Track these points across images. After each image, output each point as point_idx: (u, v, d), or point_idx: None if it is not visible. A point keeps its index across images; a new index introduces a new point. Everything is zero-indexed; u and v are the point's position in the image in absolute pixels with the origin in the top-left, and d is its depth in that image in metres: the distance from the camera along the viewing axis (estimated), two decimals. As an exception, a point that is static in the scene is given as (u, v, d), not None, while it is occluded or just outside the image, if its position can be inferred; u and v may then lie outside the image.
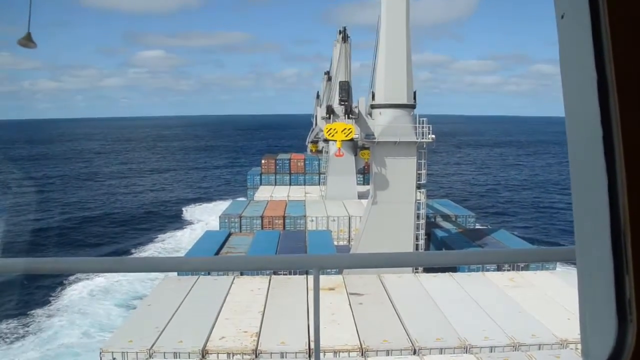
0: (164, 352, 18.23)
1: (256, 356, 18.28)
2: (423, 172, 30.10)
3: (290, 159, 63.79)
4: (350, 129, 29.77)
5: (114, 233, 63.80)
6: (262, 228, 39.77)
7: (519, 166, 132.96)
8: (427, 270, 28.37)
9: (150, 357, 18.14)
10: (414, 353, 18.56)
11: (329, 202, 46.68)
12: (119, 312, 35.58)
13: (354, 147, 49.08)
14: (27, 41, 3.25)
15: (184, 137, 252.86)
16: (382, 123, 29.42)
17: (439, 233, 37.47)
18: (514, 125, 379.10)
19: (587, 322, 1.81)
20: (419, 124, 29.31)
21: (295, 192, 54.83)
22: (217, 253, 31.32)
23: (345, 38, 48.82)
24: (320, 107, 46.81)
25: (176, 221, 67.75)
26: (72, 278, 42.16)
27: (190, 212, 72.26)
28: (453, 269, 27.65)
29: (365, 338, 19.23)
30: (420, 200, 30.53)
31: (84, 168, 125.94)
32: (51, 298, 39.69)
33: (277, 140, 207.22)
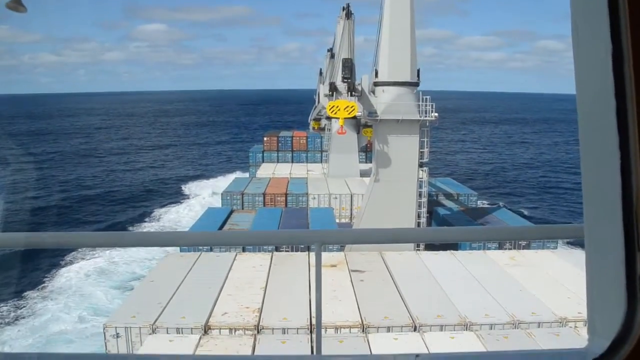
0: (167, 328, 18.42)
1: (258, 332, 18.47)
2: (426, 150, 29.98)
3: (292, 136, 63.62)
4: (353, 106, 29.56)
5: (112, 210, 63.54)
6: (264, 205, 39.83)
7: (524, 144, 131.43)
8: (429, 248, 28.47)
9: (153, 332, 18.33)
10: (415, 330, 18.74)
11: (331, 180, 46.67)
12: (115, 295, 34.58)
13: (357, 124, 48.79)
14: (17, 4, 3.13)
15: (185, 112, 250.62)
16: (385, 101, 29.19)
17: (441, 211, 37.52)
18: (519, 102, 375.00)
19: (595, 299, 1.80)
20: (422, 102, 29.10)
21: (298, 170, 54.79)
22: (220, 230, 31.43)
23: (348, 15, 48.14)
24: (323, 84, 46.29)
25: (176, 198, 67.51)
26: (68, 258, 41.58)
27: (190, 188, 72.09)
28: (454, 247, 27.74)
29: (366, 315, 19.40)
30: (422, 178, 30.49)
31: (84, 144, 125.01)
32: (46, 279, 38.69)
33: (280, 116, 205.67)
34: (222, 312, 19.63)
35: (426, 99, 29.06)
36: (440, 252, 27.36)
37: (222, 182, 65.97)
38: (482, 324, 18.94)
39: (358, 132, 51.19)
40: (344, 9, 50.70)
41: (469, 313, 19.43)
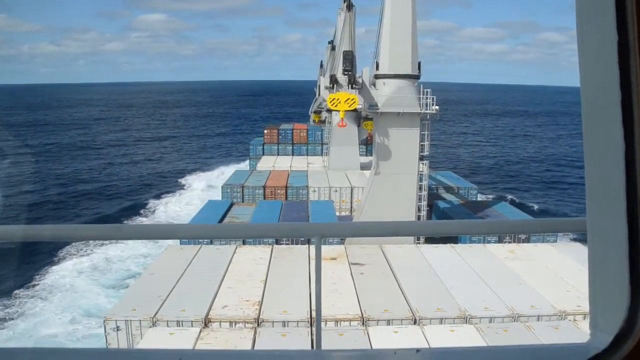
0: (167, 321, 18.46)
1: (258, 325, 18.51)
2: (426, 143, 29.93)
3: (292, 129, 63.49)
4: (353, 99, 29.47)
5: (109, 202, 63.07)
6: (264, 198, 39.83)
7: (528, 137, 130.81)
8: (429, 241, 28.50)
9: (153, 325, 18.38)
10: (415, 323, 18.79)
11: (331, 173, 46.64)
12: (108, 293, 33.35)
13: (357, 117, 48.68)
14: None
15: (185, 103, 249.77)
16: (385, 93, 29.12)
17: (441, 204, 37.50)
18: (521, 94, 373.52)
19: (598, 294, 1.78)
20: (423, 94, 29.03)
21: (298, 163, 54.74)
22: (220, 223, 31.44)
23: (349, 7, 47.87)
24: (324, 76, 46.13)
25: (173, 190, 67.01)
26: (61, 254, 40.85)
27: (188, 181, 71.72)
28: (454, 240, 27.77)
29: (366, 308, 19.44)
30: (422, 171, 30.49)
31: (82, 135, 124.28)
32: (37, 276, 37.33)
33: (280, 107, 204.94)
34: (223, 305, 19.67)
35: (427, 91, 29.01)
36: (440, 245, 27.39)
37: (217, 175, 66.15)
38: (481, 317, 18.98)
39: (359, 125, 51.06)
40: (344, 0, 50.47)
41: (468, 306, 19.47)
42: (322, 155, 58.18)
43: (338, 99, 29.63)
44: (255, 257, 25.17)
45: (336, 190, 40.66)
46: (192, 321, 18.45)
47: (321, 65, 70.89)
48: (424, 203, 30.91)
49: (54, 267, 38.67)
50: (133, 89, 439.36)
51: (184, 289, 21.07)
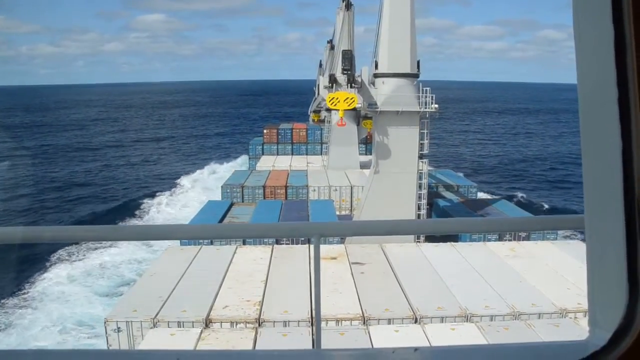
0: (168, 322, 18.46)
1: (259, 325, 18.51)
2: (426, 141, 29.96)
3: (292, 129, 63.51)
4: (352, 98, 29.49)
5: (104, 205, 62.30)
6: (264, 198, 39.84)
7: (528, 135, 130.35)
8: (429, 239, 28.51)
9: (154, 326, 18.37)
10: (415, 322, 18.78)
11: (331, 172, 46.64)
12: (102, 302, 31.90)
13: (357, 116, 48.73)
14: None
15: (185, 103, 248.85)
16: (385, 92, 29.13)
17: (441, 203, 37.52)
18: (522, 92, 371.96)
19: (596, 291, 1.79)
20: (422, 93, 29.05)
21: (298, 162, 54.77)
22: (220, 223, 31.43)
23: (348, 6, 47.90)
24: (323, 76, 46.18)
25: (172, 191, 66.28)
26: (54, 259, 39.73)
27: (186, 181, 70.96)
28: (454, 239, 27.78)
29: (367, 307, 19.43)
30: (422, 170, 30.50)
31: (79, 136, 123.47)
32: (27, 284, 35.68)
33: (280, 107, 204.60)
34: (223, 306, 19.66)
35: (426, 90, 29.02)
36: (441, 243, 27.39)
37: (216, 176, 66.01)
38: (482, 316, 18.97)
39: (358, 124, 51.12)
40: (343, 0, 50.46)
41: (469, 304, 19.47)
42: (321, 154, 58.21)
43: (337, 98, 29.65)
44: (255, 257, 25.16)
45: (336, 190, 40.67)
46: (193, 322, 18.44)
47: (320, 65, 70.89)
48: (424, 201, 30.93)
49: (46, 274, 37.36)
50: (132, 89, 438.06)
51: (184, 290, 21.06)
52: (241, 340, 17.45)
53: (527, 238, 28.22)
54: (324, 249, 24.89)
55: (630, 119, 1.51)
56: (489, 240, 27.90)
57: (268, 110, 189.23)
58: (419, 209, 30.49)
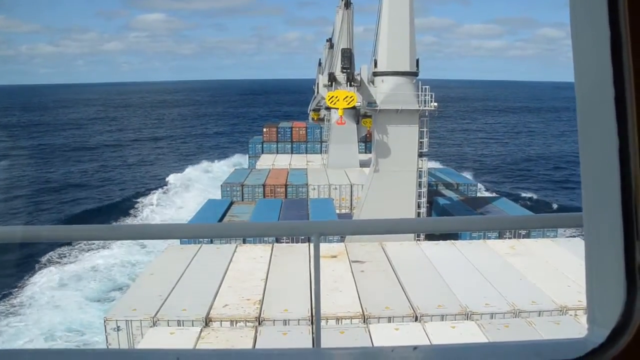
0: (168, 320, 18.45)
1: (259, 323, 18.50)
2: (425, 140, 29.97)
3: (292, 127, 63.51)
4: (352, 96, 29.49)
5: (99, 204, 61.78)
6: (264, 196, 39.83)
7: (531, 133, 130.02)
8: (429, 237, 28.52)
9: (154, 325, 18.37)
10: (416, 320, 18.78)
11: (330, 171, 46.65)
12: (92, 307, 31.01)
13: (356, 115, 48.75)
14: None
15: (184, 102, 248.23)
16: (384, 91, 29.14)
17: (441, 201, 37.53)
18: (522, 90, 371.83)
19: (594, 288, 1.80)
20: (422, 91, 29.06)
21: (297, 161, 54.82)
22: (219, 222, 31.42)
23: (347, 4, 47.98)
24: (323, 74, 46.31)
25: (165, 189, 65.72)
26: (43, 261, 38.82)
27: (188, 179, 70.19)
28: (454, 237, 27.79)
29: (367, 305, 19.43)
30: (422, 168, 30.50)
31: (76, 136, 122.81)
32: (14, 289, 34.41)
33: (280, 106, 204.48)
34: (223, 304, 19.66)
35: (425, 88, 29.03)
36: (441, 242, 27.40)
37: (221, 173, 65.85)
38: (482, 314, 18.97)
39: (357, 123, 51.14)
40: (342, -2, 50.47)
41: (469, 302, 19.48)
42: (321, 153, 58.24)
43: (337, 97, 29.66)
44: (255, 255, 25.17)
45: (336, 188, 40.68)
46: (192, 321, 18.43)
47: (320, 63, 71.06)
48: (424, 200, 30.95)
49: (36, 278, 36.25)
50: (132, 88, 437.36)
51: (184, 289, 21.05)
52: (241, 339, 17.44)
53: (527, 236, 28.25)
54: (324, 247, 24.90)
55: (626, 117, 1.52)
56: (489, 238, 27.93)
57: (268, 110, 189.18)
58: (418, 207, 30.51)
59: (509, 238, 28.07)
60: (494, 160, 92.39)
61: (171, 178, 70.25)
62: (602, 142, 1.61)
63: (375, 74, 29.73)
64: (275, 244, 26.65)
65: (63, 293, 33.48)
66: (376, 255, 25.28)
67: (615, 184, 1.58)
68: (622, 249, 1.61)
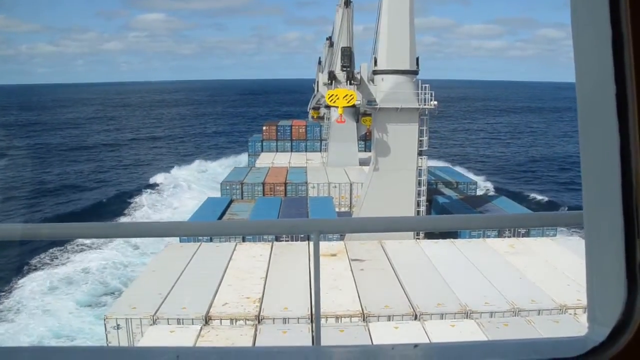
0: (168, 319, 18.45)
1: (259, 322, 18.50)
2: (425, 138, 29.97)
3: (291, 126, 63.49)
4: (352, 95, 29.48)
5: (98, 205, 61.13)
6: (263, 195, 39.82)
7: (531, 133, 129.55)
8: (428, 236, 28.53)
9: (153, 323, 18.37)
10: (415, 319, 18.78)
11: (330, 169, 46.64)
12: (83, 312, 30.37)
13: (356, 113, 48.79)
14: None
15: (184, 102, 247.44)
16: (384, 89, 29.14)
17: (441, 199, 37.57)
18: (522, 90, 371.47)
19: (595, 287, 1.80)
20: (422, 90, 29.05)
21: (297, 159, 54.82)
22: (219, 220, 31.40)
23: (347, 3, 47.90)
24: (322, 73, 46.31)
25: (168, 189, 65.07)
26: (33, 262, 38.02)
27: (186, 178, 70.01)
28: (454, 235, 27.80)
29: (366, 304, 19.43)
30: (421, 166, 30.51)
31: (74, 135, 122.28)
32: (3, 293, 33.32)
33: (280, 106, 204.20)
34: (223, 303, 19.66)
35: (425, 87, 29.02)
36: (440, 240, 27.42)
37: (221, 172, 65.80)
38: (482, 312, 18.97)
39: (357, 121, 51.17)
40: (342, -4, 50.37)
41: (469, 301, 19.47)
42: (320, 151, 58.25)
43: (337, 95, 29.64)
44: (255, 254, 25.16)
45: (335, 187, 40.68)
46: (192, 319, 18.43)
47: (319, 62, 71.01)
48: (423, 198, 30.98)
49: (23, 280, 35.16)
50: (131, 88, 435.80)
51: (184, 287, 21.05)
52: (241, 337, 17.44)
53: (527, 234, 28.28)
54: (324, 245, 24.90)
55: (627, 116, 1.52)
56: (489, 236, 27.95)
57: (267, 109, 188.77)
58: (418, 205, 30.53)
59: (509, 237, 28.10)
60: (496, 159, 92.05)
61: (169, 177, 69.97)
62: (603, 141, 1.60)
63: (375, 73, 29.72)
64: (275, 242, 26.63)
65: (53, 297, 32.59)
66: (376, 254, 25.28)
67: (616, 182, 1.58)
68: (622, 247, 1.61)
